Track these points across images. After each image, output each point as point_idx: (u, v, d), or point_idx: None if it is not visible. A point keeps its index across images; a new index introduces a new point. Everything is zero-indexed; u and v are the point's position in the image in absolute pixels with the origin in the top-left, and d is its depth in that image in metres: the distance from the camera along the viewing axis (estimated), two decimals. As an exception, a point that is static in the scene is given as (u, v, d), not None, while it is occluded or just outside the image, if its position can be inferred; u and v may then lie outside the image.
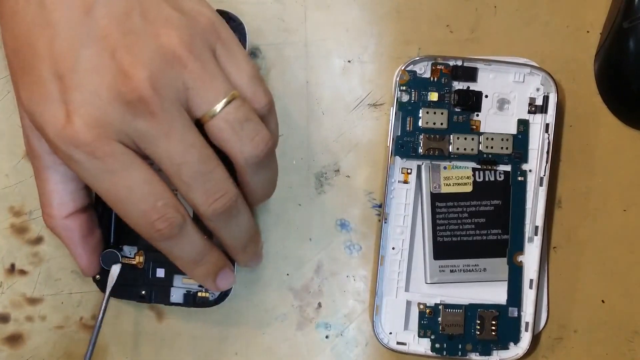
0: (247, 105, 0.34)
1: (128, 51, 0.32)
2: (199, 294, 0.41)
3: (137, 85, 0.31)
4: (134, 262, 0.41)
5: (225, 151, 0.34)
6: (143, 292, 0.41)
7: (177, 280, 0.41)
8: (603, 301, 0.44)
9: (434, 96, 0.42)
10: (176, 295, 0.41)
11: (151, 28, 0.32)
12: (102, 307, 0.39)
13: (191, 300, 0.41)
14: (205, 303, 0.41)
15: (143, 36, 0.32)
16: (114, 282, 0.40)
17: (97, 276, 0.40)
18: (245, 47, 0.40)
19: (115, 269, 0.40)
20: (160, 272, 0.41)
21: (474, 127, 0.43)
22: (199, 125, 0.33)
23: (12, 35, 0.34)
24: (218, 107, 0.33)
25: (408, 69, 0.42)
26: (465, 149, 0.42)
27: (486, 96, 0.43)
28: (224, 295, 0.41)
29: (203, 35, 0.33)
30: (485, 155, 0.43)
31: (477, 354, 0.43)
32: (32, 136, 0.36)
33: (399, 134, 0.42)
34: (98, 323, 0.39)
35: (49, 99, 0.32)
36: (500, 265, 0.43)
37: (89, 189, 0.38)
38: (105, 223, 0.40)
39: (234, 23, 0.40)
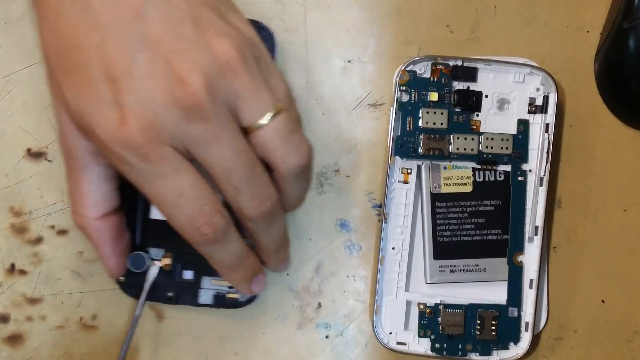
0: (292, 117, 0.35)
1: (182, 57, 0.32)
2: (228, 295, 0.42)
3: (193, 92, 0.32)
4: (162, 265, 0.41)
5: (269, 160, 0.35)
6: (170, 293, 0.42)
7: (206, 281, 0.42)
8: (603, 301, 0.44)
9: (434, 96, 0.42)
10: (205, 296, 0.42)
11: (204, 36, 0.33)
12: (138, 310, 0.40)
13: (221, 301, 0.42)
14: (235, 304, 0.42)
15: (196, 43, 0.32)
16: (150, 284, 0.40)
17: (122, 278, 0.41)
18: (274, 56, 0.41)
19: (154, 271, 0.41)
20: (188, 274, 0.41)
21: (474, 127, 0.43)
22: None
23: (54, 34, 0.34)
24: (266, 117, 0.34)
25: (408, 69, 0.42)
26: (465, 149, 0.42)
27: (486, 96, 0.43)
28: (253, 296, 0.42)
29: (250, 47, 0.34)
30: (485, 155, 0.43)
31: (477, 354, 0.43)
32: (70, 135, 0.36)
33: (399, 134, 0.42)
34: (132, 326, 0.40)
35: (101, 100, 0.32)
36: (500, 265, 0.43)
37: (121, 191, 0.38)
38: (131, 225, 0.41)
39: (264, 32, 0.41)
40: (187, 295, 0.42)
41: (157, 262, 0.41)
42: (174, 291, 0.42)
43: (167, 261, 0.41)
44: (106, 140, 0.33)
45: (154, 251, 0.41)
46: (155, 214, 0.41)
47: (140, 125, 0.32)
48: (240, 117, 0.34)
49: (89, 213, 0.37)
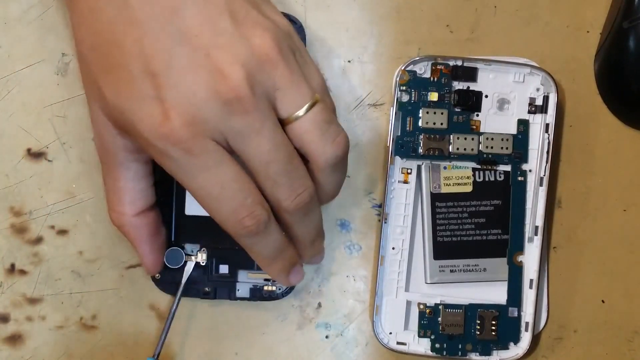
0: (329, 108, 0.35)
1: (222, 51, 0.32)
2: (265, 287, 0.42)
3: (235, 85, 0.32)
4: (197, 260, 0.42)
5: (306, 151, 0.35)
6: (207, 288, 0.42)
7: (242, 275, 0.42)
8: (603, 301, 0.44)
9: (434, 96, 0.42)
10: (242, 290, 0.42)
11: (242, 29, 0.33)
12: (174, 306, 0.41)
13: (258, 294, 0.42)
14: (272, 296, 0.42)
15: (235, 37, 0.33)
16: (186, 280, 0.41)
17: (157, 275, 0.41)
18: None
19: (189, 267, 0.41)
20: (224, 269, 0.42)
21: (474, 127, 0.43)
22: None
23: (91, 32, 0.34)
24: (303, 109, 0.34)
25: (408, 69, 0.42)
26: (465, 149, 0.42)
27: (486, 96, 0.43)
28: (290, 288, 0.42)
29: (287, 39, 0.34)
30: (485, 155, 0.43)
31: (477, 354, 0.43)
32: (107, 133, 0.36)
33: (399, 134, 0.42)
34: (169, 322, 0.41)
35: (142, 96, 0.33)
36: (500, 265, 0.43)
37: (156, 188, 0.39)
38: (166, 222, 0.41)
39: (295, 25, 0.42)
40: (224, 289, 0.42)
41: (193, 258, 0.42)
42: (210, 286, 0.42)
43: (202, 256, 0.42)
44: (149, 136, 0.33)
45: (189, 247, 0.42)
46: (190, 210, 0.41)
47: (182, 120, 0.32)
48: (279, 108, 0.34)
49: (126, 211, 0.38)
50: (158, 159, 0.34)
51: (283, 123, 0.34)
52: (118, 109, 0.33)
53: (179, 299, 0.41)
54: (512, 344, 0.43)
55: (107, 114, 0.35)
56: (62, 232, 0.43)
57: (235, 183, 0.34)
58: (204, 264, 0.42)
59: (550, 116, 0.43)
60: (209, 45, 0.32)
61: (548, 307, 0.44)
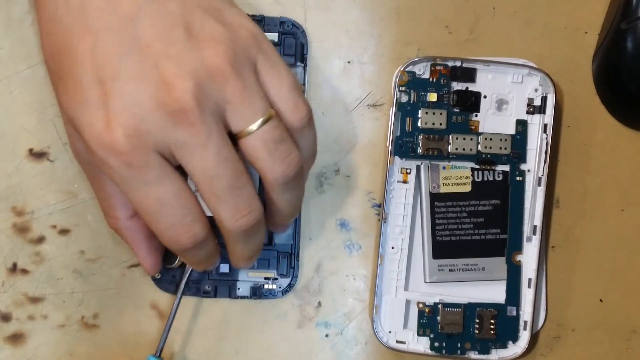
0: (282, 125, 0.34)
1: (172, 62, 0.32)
2: (266, 286, 0.43)
3: (180, 96, 0.31)
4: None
5: (256, 168, 0.34)
6: (207, 287, 0.43)
7: (243, 274, 0.43)
8: (601, 300, 0.44)
9: (433, 97, 0.43)
10: (243, 288, 0.43)
11: (195, 42, 0.32)
12: (176, 304, 0.41)
13: (258, 292, 0.43)
14: (272, 294, 0.43)
15: (187, 49, 0.32)
16: (187, 279, 0.41)
17: (158, 275, 0.42)
18: (307, 53, 0.42)
19: (189, 267, 0.41)
20: (225, 268, 0.43)
21: (473, 127, 0.43)
22: (232, 140, 0.34)
23: (49, 41, 0.34)
24: (255, 125, 0.33)
25: (407, 69, 0.42)
26: (464, 149, 0.43)
27: (485, 97, 0.43)
28: (288, 287, 0.43)
29: (245, 50, 0.33)
30: (484, 156, 0.43)
31: (476, 352, 0.43)
32: (77, 141, 0.36)
33: (399, 134, 0.42)
34: (170, 320, 0.41)
35: (88, 103, 0.32)
36: (498, 264, 0.43)
37: None
38: None
39: (297, 30, 0.42)
40: (224, 288, 0.43)
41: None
42: (211, 285, 0.43)
43: None
44: (91, 144, 0.32)
45: None
46: None
47: (124, 131, 0.31)
48: (230, 123, 0.33)
49: (119, 214, 0.37)
50: (100, 168, 0.33)
51: (235, 138, 0.33)
52: (69, 115, 0.33)
53: (180, 298, 0.41)
54: (510, 342, 0.43)
55: (69, 120, 0.34)
56: (64, 231, 0.43)
57: (176, 199, 0.33)
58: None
59: (549, 116, 0.43)
60: (159, 56, 0.32)
61: (546, 306, 0.44)
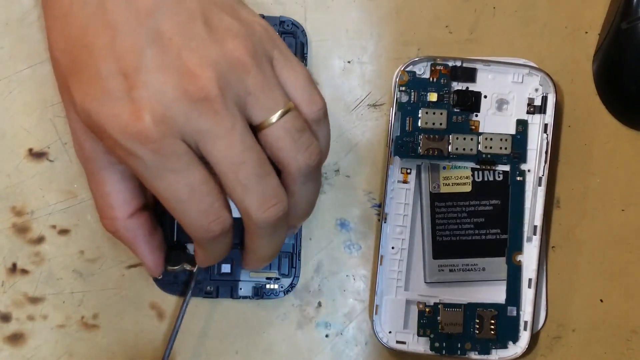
0: (302, 116, 0.35)
1: (194, 53, 0.32)
2: (267, 286, 0.43)
3: (204, 84, 0.32)
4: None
5: (278, 159, 0.34)
6: (209, 287, 0.43)
7: (245, 274, 0.43)
8: (601, 300, 0.44)
9: (433, 96, 0.43)
10: (245, 289, 0.43)
11: (215, 35, 0.33)
12: (183, 307, 0.41)
13: (260, 293, 0.43)
14: (274, 294, 0.43)
15: (208, 41, 0.33)
16: (194, 281, 0.41)
17: (159, 276, 0.41)
18: (306, 52, 0.42)
19: (196, 271, 0.41)
20: (226, 268, 0.43)
21: (473, 127, 0.43)
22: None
23: (62, 36, 0.34)
24: (276, 116, 0.33)
25: (407, 69, 0.42)
26: (464, 149, 0.43)
27: (485, 96, 0.43)
28: (290, 287, 0.43)
29: (262, 44, 0.34)
30: (484, 156, 0.43)
31: (476, 352, 0.43)
32: (86, 139, 0.36)
33: (399, 134, 0.42)
34: (178, 324, 0.41)
35: (111, 96, 0.32)
36: (499, 264, 0.43)
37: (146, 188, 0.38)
38: (168, 223, 0.41)
39: (297, 29, 0.42)
40: (226, 288, 0.43)
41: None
42: (212, 285, 0.43)
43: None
44: (118, 137, 0.32)
45: (191, 247, 0.42)
46: None
47: (152, 119, 0.32)
48: (250, 114, 0.33)
49: (117, 215, 0.37)
50: (125, 160, 0.33)
51: (255, 130, 0.34)
52: (86, 110, 0.33)
53: (188, 302, 0.41)
54: (511, 343, 0.43)
55: (79, 116, 0.34)
56: (64, 231, 0.43)
57: (205, 186, 0.33)
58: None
59: (549, 116, 0.43)
60: (181, 47, 0.32)
61: (547, 306, 0.44)
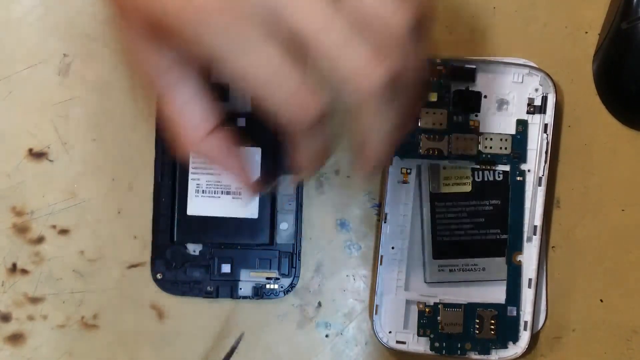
0: None
1: None
2: (267, 286, 0.43)
3: None
4: (199, 259, 0.42)
5: (371, 18, 0.29)
6: (209, 287, 0.43)
7: (245, 274, 0.43)
8: (601, 300, 0.44)
9: (433, 97, 0.43)
10: (245, 289, 0.43)
11: None
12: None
13: (260, 293, 0.43)
14: (274, 294, 0.43)
15: None
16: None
17: (159, 275, 0.42)
18: None
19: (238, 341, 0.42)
20: (226, 268, 0.43)
21: (473, 127, 0.43)
22: None
23: None
24: None
25: (407, 69, 0.42)
26: (464, 149, 0.43)
27: (485, 96, 0.43)
28: (290, 287, 0.43)
29: None
30: (484, 156, 0.43)
31: (476, 352, 0.43)
32: (153, 54, 0.32)
33: (399, 134, 0.42)
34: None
35: None
36: (499, 264, 0.43)
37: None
38: (168, 223, 0.42)
39: None
40: (226, 288, 0.43)
41: (196, 258, 0.42)
42: (212, 285, 0.43)
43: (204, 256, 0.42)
44: (188, 16, 0.29)
45: (191, 247, 0.42)
46: (192, 210, 0.42)
47: None
48: None
49: (199, 133, 0.33)
50: (199, 43, 0.29)
51: None
52: (149, 5, 0.30)
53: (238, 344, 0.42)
54: (511, 343, 0.43)
55: (143, 17, 0.31)
56: (64, 231, 0.43)
57: (289, 60, 0.29)
58: (206, 263, 0.42)
59: (549, 116, 0.43)
60: None
61: (547, 307, 0.44)
